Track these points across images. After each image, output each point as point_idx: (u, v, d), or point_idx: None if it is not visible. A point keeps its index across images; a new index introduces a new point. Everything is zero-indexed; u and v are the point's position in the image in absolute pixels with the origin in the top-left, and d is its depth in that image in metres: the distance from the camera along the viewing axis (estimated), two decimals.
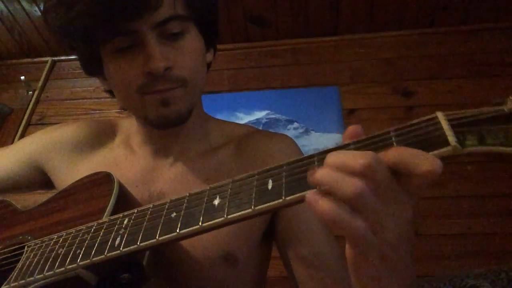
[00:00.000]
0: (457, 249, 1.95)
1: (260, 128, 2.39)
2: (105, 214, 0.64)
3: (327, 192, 0.41)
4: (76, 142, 0.91)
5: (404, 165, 0.40)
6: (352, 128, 0.47)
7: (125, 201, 0.69)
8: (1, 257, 0.74)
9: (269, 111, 2.47)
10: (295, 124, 2.41)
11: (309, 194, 0.42)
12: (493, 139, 0.40)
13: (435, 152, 0.41)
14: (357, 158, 0.40)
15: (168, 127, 0.78)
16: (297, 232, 0.78)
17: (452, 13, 2.48)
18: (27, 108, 2.70)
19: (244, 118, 2.47)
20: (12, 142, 2.54)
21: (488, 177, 2.08)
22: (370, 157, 0.40)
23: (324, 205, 0.41)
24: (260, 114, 2.47)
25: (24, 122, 2.64)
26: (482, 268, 1.58)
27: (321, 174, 0.42)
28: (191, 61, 0.75)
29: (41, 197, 0.79)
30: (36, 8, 2.66)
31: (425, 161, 0.39)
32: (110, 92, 0.83)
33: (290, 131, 2.38)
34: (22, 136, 2.59)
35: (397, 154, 0.41)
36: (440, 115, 0.43)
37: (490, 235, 1.97)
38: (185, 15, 0.73)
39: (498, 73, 2.35)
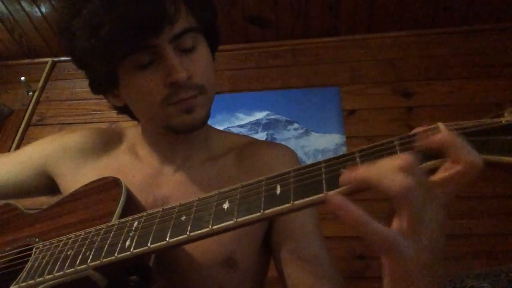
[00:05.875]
0: (457, 249, 1.96)
1: (260, 129, 2.40)
2: (114, 217, 0.65)
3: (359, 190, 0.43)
4: (83, 149, 0.93)
5: (451, 148, 0.41)
6: None
7: (132, 205, 0.70)
8: (9, 258, 0.74)
9: (269, 112, 2.48)
10: (295, 125, 2.41)
11: (335, 195, 0.43)
12: (494, 150, 0.41)
13: (437, 161, 0.43)
14: (396, 159, 0.42)
15: (190, 132, 0.81)
16: (291, 234, 0.79)
17: (452, 13, 2.48)
18: (27, 109, 2.70)
19: (244, 119, 2.47)
20: (12, 143, 2.54)
21: (488, 178, 2.08)
22: (408, 156, 0.42)
23: (353, 209, 0.42)
24: (260, 115, 2.48)
25: (24, 123, 2.64)
26: (482, 268, 1.58)
27: (365, 169, 0.43)
28: (206, 70, 0.79)
29: (46, 200, 0.80)
30: (37, 9, 2.66)
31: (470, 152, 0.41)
32: (120, 108, 0.87)
33: (290, 132, 2.38)
34: (22, 137, 2.59)
35: (448, 138, 0.42)
36: (441, 125, 0.44)
37: (490, 235, 1.97)
38: (197, 27, 0.77)
39: (498, 73, 2.36)
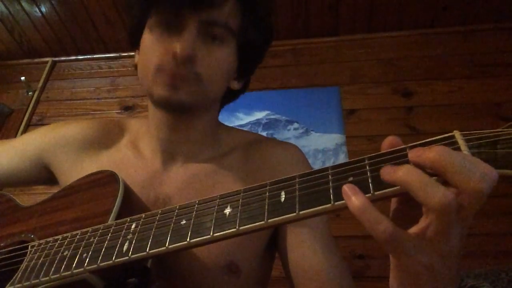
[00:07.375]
0: None
1: (260, 128, 2.39)
2: (111, 217, 0.63)
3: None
4: (83, 140, 0.90)
5: (445, 171, 0.39)
6: (390, 139, 0.47)
7: (130, 202, 0.68)
8: (2, 256, 0.73)
9: (269, 112, 2.47)
10: (295, 125, 2.41)
11: (347, 187, 0.43)
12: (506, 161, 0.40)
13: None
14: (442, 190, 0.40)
15: (167, 110, 0.79)
16: (297, 243, 0.77)
17: (452, 13, 2.48)
18: (27, 109, 2.70)
19: (244, 119, 2.46)
20: None
21: None
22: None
23: (357, 201, 0.42)
24: (260, 115, 2.47)
25: (24, 122, 2.64)
26: (482, 268, 1.58)
27: (408, 173, 0.41)
28: (215, 69, 0.76)
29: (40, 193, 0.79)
30: (37, 9, 2.65)
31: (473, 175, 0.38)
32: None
33: (290, 132, 2.38)
34: None
35: (436, 157, 0.40)
36: (457, 134, 0.43)
37: (490, 235, 1.96)
38: (233, 29, 0.75)
39: (498, 73, 2.36)
